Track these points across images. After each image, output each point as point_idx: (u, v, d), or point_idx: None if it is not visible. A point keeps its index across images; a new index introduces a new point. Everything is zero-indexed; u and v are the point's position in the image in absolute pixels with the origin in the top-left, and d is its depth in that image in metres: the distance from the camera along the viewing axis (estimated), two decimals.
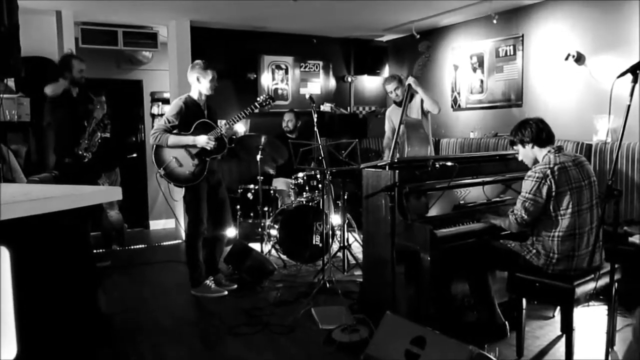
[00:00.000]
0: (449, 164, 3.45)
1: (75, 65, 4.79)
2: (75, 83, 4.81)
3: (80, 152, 4.72)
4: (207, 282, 4.40)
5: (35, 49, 5.59)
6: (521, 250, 3.09)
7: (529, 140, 3.03)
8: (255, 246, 5.06)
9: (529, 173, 2.97)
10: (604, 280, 3.00)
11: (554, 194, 2.88)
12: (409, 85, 4.51)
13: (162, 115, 7.49)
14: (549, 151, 3.00)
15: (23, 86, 5.49)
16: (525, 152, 3.10)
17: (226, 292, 4.37)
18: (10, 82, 5.38)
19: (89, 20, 6.14)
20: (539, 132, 3.00)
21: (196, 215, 4.31)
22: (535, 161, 3.06)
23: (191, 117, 4.25)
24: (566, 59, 5.18)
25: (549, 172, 2.89)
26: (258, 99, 4.55)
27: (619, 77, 2.47)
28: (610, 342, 2.89)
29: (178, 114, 4.21)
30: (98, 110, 4.87)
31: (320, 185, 5.26)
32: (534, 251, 3.03)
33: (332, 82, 7.68)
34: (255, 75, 7.10)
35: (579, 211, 2.91)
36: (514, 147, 3.18)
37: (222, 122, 4.37)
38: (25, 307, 1.75)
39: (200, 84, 4.28)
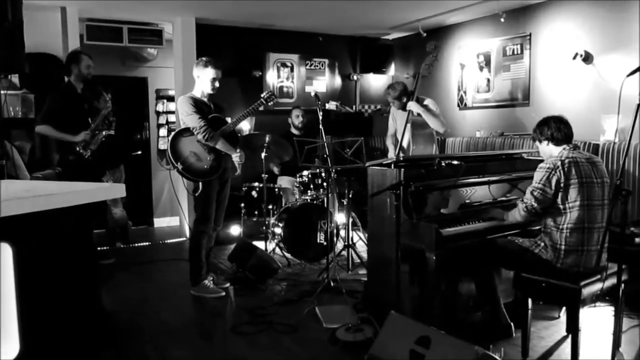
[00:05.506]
0: (455, 162, 3.45)
1: (83, 60, 4.75)
2: (82, 79, 4.80)
3: (78, 149, 4.69)
4: (206, 282, 4.37)
5: (40, 46, 5.59)
6: (530, 246, 3.10)
7: (545, 139, 3.10)
8: (260, 244, 5.05)
9: (540, 165, 3.03)
10: (611, 281, 2.99)
11: (562, 185, 2.91)
12: (414, 89, 4.49)
13: (167, 112, 7.50)
14: (563, 148, 3.05)
15: (27, 82, 5.48)
16: (543, 149, 3.17)
17: (223, 293, 4.33)
18: (15, 78, 5.38)
19: (94, 16, 6.13)
20: (555, 132, 3.07)
21: (204, 212, 4.27)
22: (551, 157, 3.08)
23: (200, 113, 4.18)
24: (574, 58, 5.13)
25: (559, 163, 2.94)
26: (262, 95, 4.44)
27: (628, 75, 2.46)
28: (617, 344, 2.87)
29: (195, 106, 4.13)
30: (107, 108, 4.84)
31: (325, 184, 5.24)
32: (542, 244, 3.05)
33: (337, 80, 7.66)
34: (260, 73, 7.07)
35: (589, 205, 2.92)
36: (535, 143, 3.24)
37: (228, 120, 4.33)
38: (27, 305, 1.74)
39: (201, 82, 4.22)
